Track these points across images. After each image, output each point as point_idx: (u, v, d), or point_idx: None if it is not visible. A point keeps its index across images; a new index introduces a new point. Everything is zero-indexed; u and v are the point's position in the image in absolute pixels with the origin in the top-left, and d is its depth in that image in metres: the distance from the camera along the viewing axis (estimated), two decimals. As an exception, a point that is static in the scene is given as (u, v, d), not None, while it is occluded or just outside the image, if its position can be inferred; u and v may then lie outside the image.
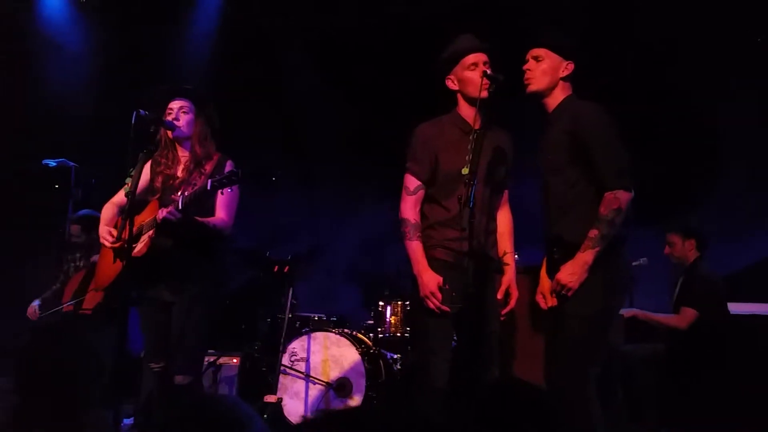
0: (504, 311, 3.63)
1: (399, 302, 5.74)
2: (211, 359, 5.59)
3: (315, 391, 5.31)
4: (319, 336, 5.43)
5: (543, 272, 3.54)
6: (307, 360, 5.36)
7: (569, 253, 3.25)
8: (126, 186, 3.87)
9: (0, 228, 6.72)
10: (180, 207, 3.69)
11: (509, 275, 3.66)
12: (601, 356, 3.28)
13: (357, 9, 6.95)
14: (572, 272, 3.21)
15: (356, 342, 5.36)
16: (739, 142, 6.30)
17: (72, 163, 6.27)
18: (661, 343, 5.31)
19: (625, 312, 5.19)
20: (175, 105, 3.96)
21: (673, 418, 4.91)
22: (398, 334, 5.73)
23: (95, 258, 5.05)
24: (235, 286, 6.57)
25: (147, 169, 3.98)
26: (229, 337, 5.94)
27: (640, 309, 5.30)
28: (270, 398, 5.05)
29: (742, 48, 6.25)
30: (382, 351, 5.57)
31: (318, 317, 5.98)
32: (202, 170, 3.91)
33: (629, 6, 6.38)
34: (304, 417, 1.50)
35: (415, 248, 3.53)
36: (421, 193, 3.61)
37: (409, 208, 3.58)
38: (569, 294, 3.22)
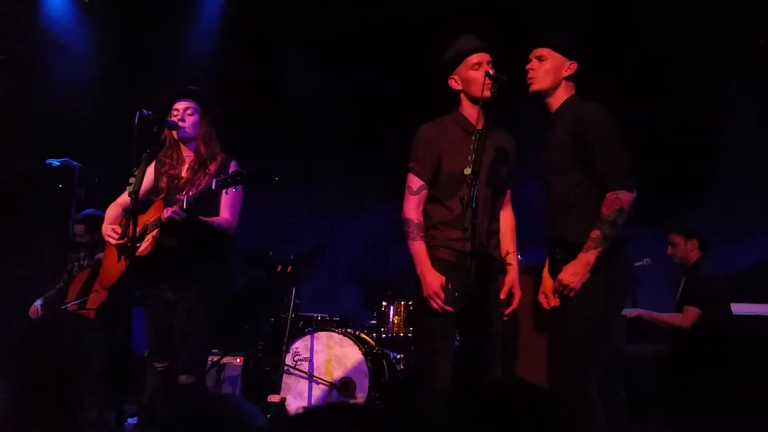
0: (507, 311, 3.63)
1: (402, 302, 5.73)
2: (215, 359, 5.60)
3: (318, 390, 5.33)
4: (322, 336, 5.44)
5: (545, 272, 3.55)
6: (310, 360, 5.38)
7: (571, 254, 3.25)
8: (130, 186, 3.88)
9: (3, 227, 6.73)
10: (185, 207, 3.71)
11: (512, 275, 3.66)
12: (604, 356, 3.29)
13: (358, 9, 6.96)
14: (574, 272, 3.21)
15: (359, 342, 5.37)
16: (739, 142, 6.31)
17: (75, 163, 6.28)
18: (664, 343, 5.32)
19: (629, 312, 5.19)
20: (180, 106, 3.97)
21: (676, 418, 4.90)
22: (401, 334, 5.72)
23: (100, 255, 5.05)
24: (239, 286, 6.57)
25: (151, 169, 4.00)
26: (232, 337, 5.95)
27: (643, 309, 5.31)
28: (273, 398, 5.06)
29: (743, 48, 6.25)
30: (385, 351, 5.58)
31: (321, 317, 5.98)
32: (207, 170, 3.93)
33: (629, 6, 6.39)
34: (305, 408, 1.50)
35: (419, 248, 3.53)
36: (424, 193, 3.61)
37: (412, 208, 3.59)
38: (571, 294, 3.23)
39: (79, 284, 5.57)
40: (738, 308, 5.46)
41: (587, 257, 3.20)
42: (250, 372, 5.72)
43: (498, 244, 3.69)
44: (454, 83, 3.64)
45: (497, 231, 3.69)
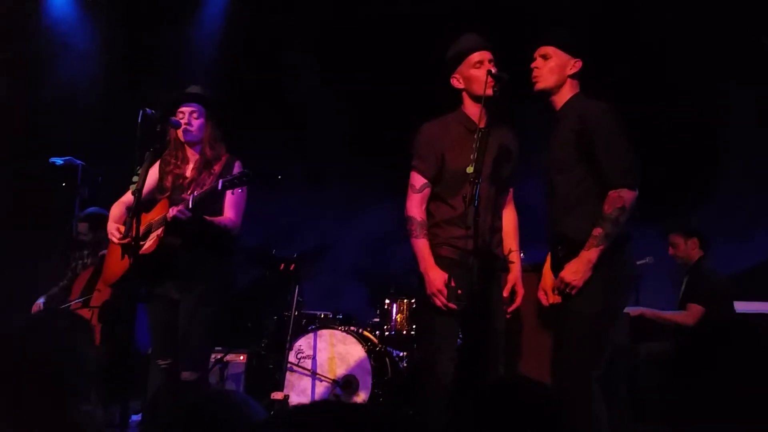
0: (510, 309, 3.64)
1: (405, 300, 5.74)
2: (218, 356, 5.61)
3: (321, 388, 5.35)
4: (325, 333, 5.45)
5: (546, 269, 3.56)
6: (313, 357, 5.39)
7: (573, 251, 3.26)
8: (133, 185, 3.90)
9: (7, 226, 6.74)
10: (190, 206, 3.73)
11: (515, 273, 3.67)
12: (605, 354, 3.29)
13: (360, 9, 6.98)
14: (576, 270, 3.22)
15: (362, 339, 5.38)
16: (739, 142, 6.33)
17: (79, 162, 6.28)
18: (667, 342, 5.33)
19: (632, 310, 5.19)
20: (186, 109, 3.98)
21: (678, 417, 4.91)
22: (404, 332, 5.72)
23: (103, 252, 5.07)
24: (242, 284, 6.59)
25: (155, 168, 4.02)
26: (235, 335, 5.96)
27: (647, 307, 5.32)
28: (277, 395, 5.06)
29: (743, 48, 6.27)
30: (388, 348, 5.59)
31: (324, 315, 5.98)
32: (212, 170, 3.95)
33: (629, 6, 6.41)
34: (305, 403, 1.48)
35: (422, 246, 3.54)
36: (427, 191, 3.61)
37: (415, 206, 3.59)
38: (573, 292, 3.23)
39: (82, 282, 5.58)
40: (740, 306, 5.47)
41: (589, 255, 3.20)
42: (254, 369, 5.73)
43: (501, 242, 3.70)
44: (456, 82, 3.64)
45: (500, 229, 3.69)
